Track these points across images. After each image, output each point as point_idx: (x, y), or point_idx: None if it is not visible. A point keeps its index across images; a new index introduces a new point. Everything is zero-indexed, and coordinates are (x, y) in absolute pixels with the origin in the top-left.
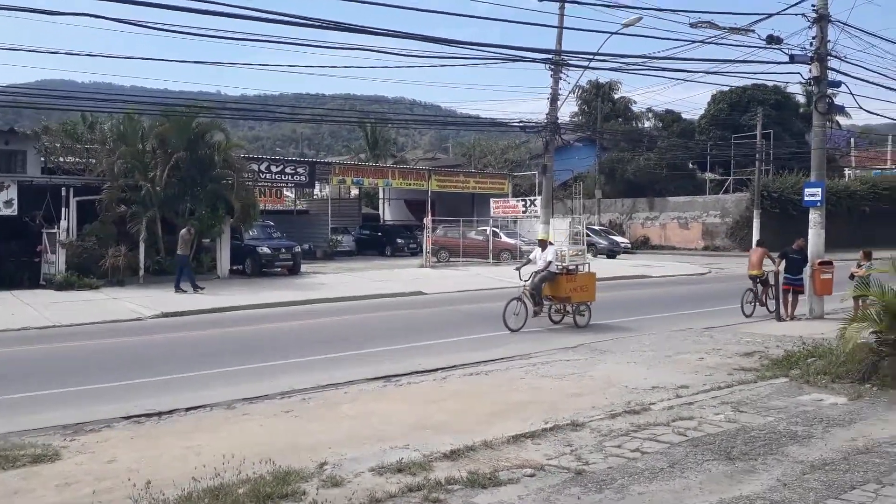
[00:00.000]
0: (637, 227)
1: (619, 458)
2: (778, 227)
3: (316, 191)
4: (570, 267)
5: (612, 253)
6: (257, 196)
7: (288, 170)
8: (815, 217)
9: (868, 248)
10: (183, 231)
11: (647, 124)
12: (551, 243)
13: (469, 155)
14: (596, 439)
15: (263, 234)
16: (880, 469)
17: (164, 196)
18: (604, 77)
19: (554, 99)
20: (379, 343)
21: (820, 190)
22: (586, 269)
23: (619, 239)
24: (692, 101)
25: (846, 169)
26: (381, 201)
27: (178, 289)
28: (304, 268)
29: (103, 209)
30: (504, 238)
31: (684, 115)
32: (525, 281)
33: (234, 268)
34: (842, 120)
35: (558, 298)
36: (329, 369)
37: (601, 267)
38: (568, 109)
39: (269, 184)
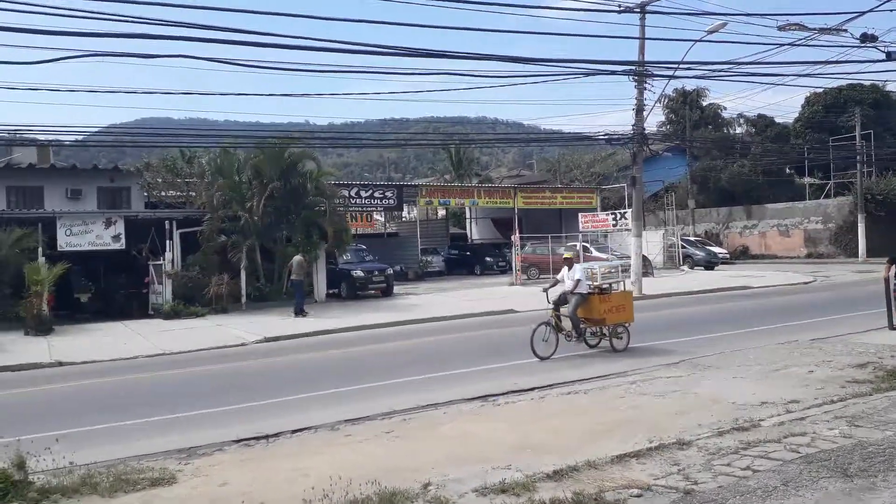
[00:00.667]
0: (734, 236)
1: (729, 476)
2: (885, 231)
3: (404, 213)
4: (604, 286)
5: (709, 264)
6: (349, 221)
7: (377, 194)
8: None
9: None
10: (299, 258)
11: (738, 130)
12: (580, 262)
13: (554, 170)
14: (704, 458)
15: (357, 258)
16: None
17: (261, 225)
18: (690, 85)
19: (639, 110)
20: (474, 363)
21: None
22: (622, 288)
23: (716, 249)
24: (784, 105)
25: None
26: (468, 220)
27: (302, 312)
28: (396, 289)
29: (205, 240)
30: (595, 253)
31: (777, 119)
32: (553, 303)
33: (331, 291)
34: None
35: (592, 321)
36: (426, 390)
37: (699, 279)
38: (655, 119)
39: (360, 208)
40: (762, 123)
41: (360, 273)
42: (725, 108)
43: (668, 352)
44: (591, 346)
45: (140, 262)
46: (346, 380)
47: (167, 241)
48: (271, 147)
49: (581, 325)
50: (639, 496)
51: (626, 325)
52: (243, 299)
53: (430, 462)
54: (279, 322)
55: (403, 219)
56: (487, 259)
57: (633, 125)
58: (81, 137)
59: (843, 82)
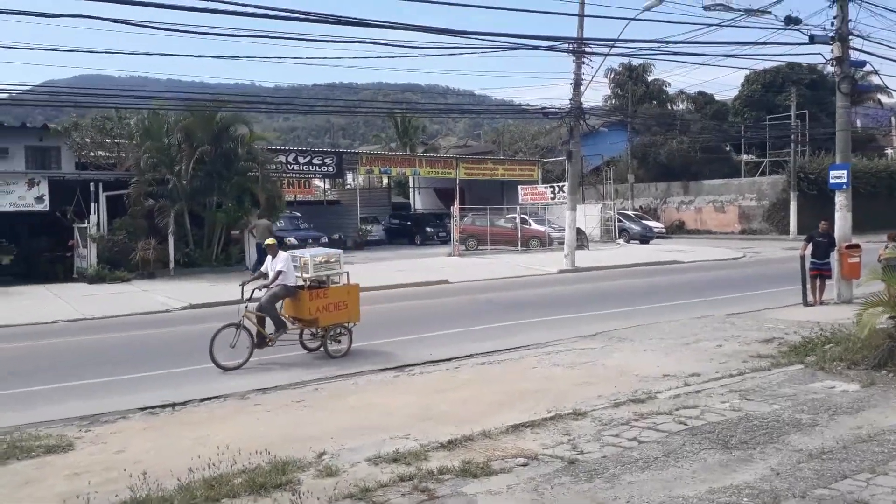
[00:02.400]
0: (672, 211)
1: (614, 447)
2: (816, 209)
3: (349, 180)
4: (321, 279)
5: (644, 238)
6: (282, 187)
7: (315, 161)
8: (841, 200)
9: None
10: (265, 221)
11: (680, 107)
12: (286, 249)
13: (498, 141)
14: (595, 428)
15: (291, 226)
16: (877, 458)
17: (190, 189)
18: (636, 60)
19: (577, 84)
20: (397, 333)
21: (845, 172)
22: (344, 281)
23: (652, 224)
24: (725, 81)
25: (888, 148)
26: (411, 190)
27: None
28: None
29: (132, 203)
30: (534, 225)
31: (717, 97)
32: (248, 300)
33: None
34: (884, 98)
35: (303, 321)
36: (342, 361)
37: (633, 252)
38: (601, 93)
39: (298, 175)
40: (702, 100)
41: (293, 241)
42: (670, 84)
43: (587, 322)
44: (309, 350)
45: (66, 225)
46: (265, 350)
47: (93, 204)
48: (202, 110)
49: (280, 321)
50: (525, 465)
51: (349, 325)
52: (171, 265)
53: (332, 431)
54: (207, 288)
55: (348, 186)
56: (428, 229)
57: (570, 99)
58: (17, 94)
59: (771, 64)
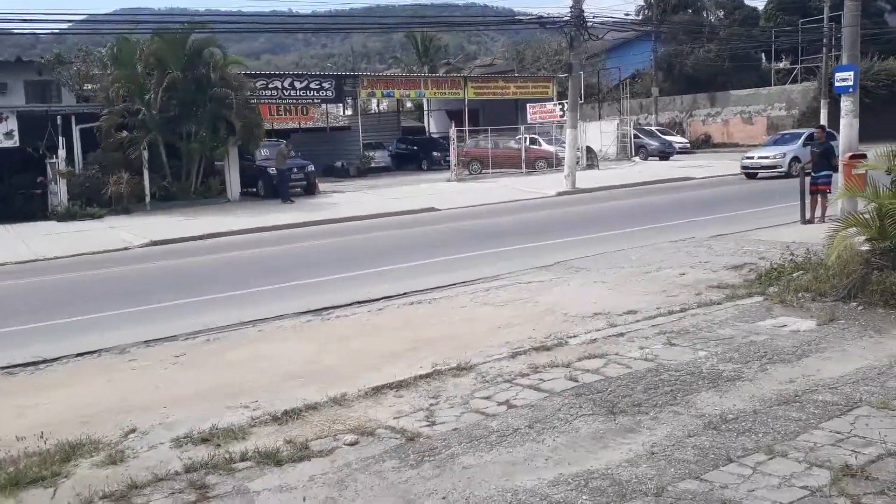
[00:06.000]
0: (697, 124)
1: (476, 413)
2: None
3: (374, 106)
4: None
5: (664, 154)
6: (277, 115)
7: (313, 85)
8: (847, 105)
9: None
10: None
11: (711, 17)
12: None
13: (520, 59)
14: (472, 388)
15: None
16: (788, 429)
17: (162, 119)
18: None
19: None
20: (348, 268)
21: (852, 74)
22: None
23: (673, 139)
24: None
25: None
26: (425, 113)
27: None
28: (330, 186)
29: (103, 136)
30: (543, 145)
31: (748, 2)
32: None
33: (249, 190)
34: None
35: None
36: (274, 300)
37: (645, 170)
38: (634, 4)
39: (294, 101)
40: (731, 5)
41: (272, 171)
42: None
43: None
44: None
45: (37, 161)
46: (203, 289)
47: (60, 138)
48: (172, 34)
49: None
50: (353, 444)
51: None
52: (147, 199)
53: (179, 397)
54: (179, 223)
55: (371, 111)
56: (435, 153)
57: (570, 6)
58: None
59: None
